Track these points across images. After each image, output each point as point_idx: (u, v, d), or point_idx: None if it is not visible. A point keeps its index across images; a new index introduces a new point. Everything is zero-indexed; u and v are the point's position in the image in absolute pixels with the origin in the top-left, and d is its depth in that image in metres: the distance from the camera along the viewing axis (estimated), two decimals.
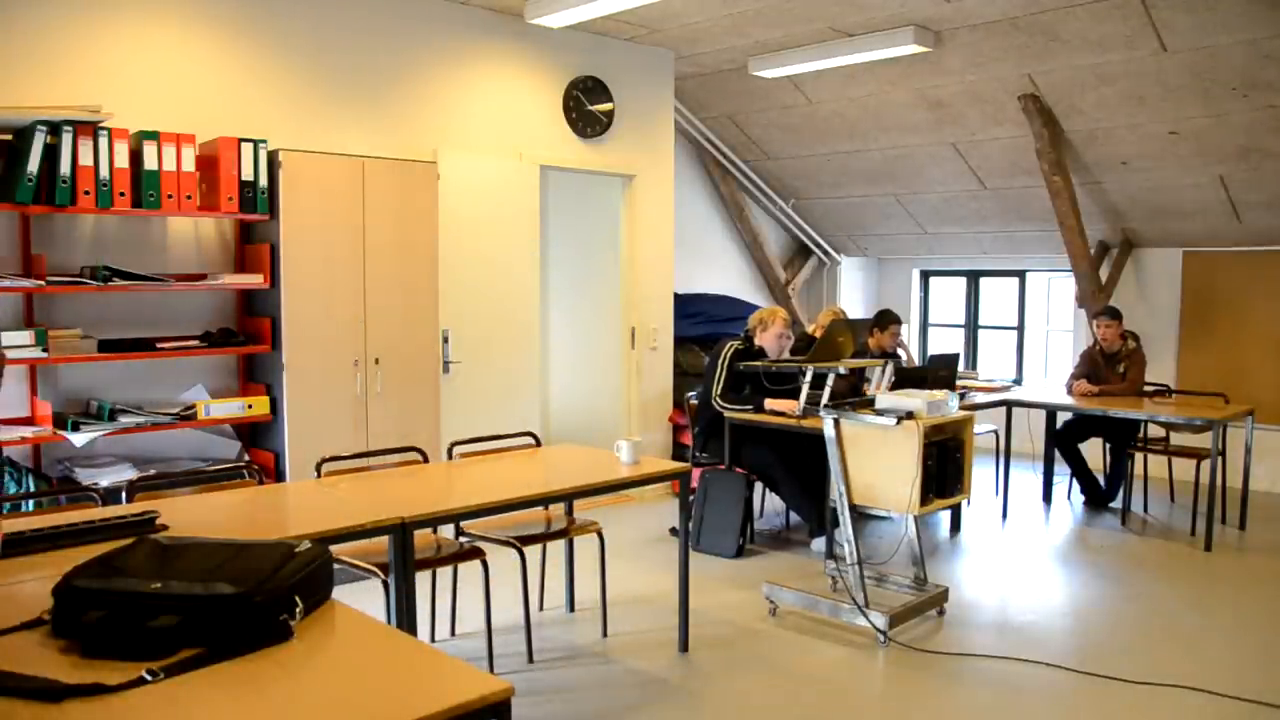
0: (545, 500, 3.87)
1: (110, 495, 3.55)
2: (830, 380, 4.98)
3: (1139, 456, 6.92)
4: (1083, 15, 5.83)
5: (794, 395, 5.68)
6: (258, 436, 5.19)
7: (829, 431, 4.48)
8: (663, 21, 6.46)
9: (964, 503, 6.32)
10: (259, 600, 2.12)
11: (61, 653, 2.03)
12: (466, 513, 3.51)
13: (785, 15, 6.20)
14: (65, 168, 4.38)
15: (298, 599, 2.21)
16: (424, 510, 3.35)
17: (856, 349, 5.33)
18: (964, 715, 3.72)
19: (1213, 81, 6.07)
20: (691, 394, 6.50)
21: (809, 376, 5.05)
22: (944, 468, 4.43)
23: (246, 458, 5.10)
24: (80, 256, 4.71)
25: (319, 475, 3.93)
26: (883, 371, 5.28)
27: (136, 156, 4.58)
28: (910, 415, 4.28)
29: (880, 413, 4.38)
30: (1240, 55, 5.80)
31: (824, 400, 4.82)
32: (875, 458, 4.40)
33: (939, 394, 4.51)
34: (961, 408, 4.74)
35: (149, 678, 1.89)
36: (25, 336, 4.37)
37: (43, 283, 4.39)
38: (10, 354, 4.24)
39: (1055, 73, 6.48)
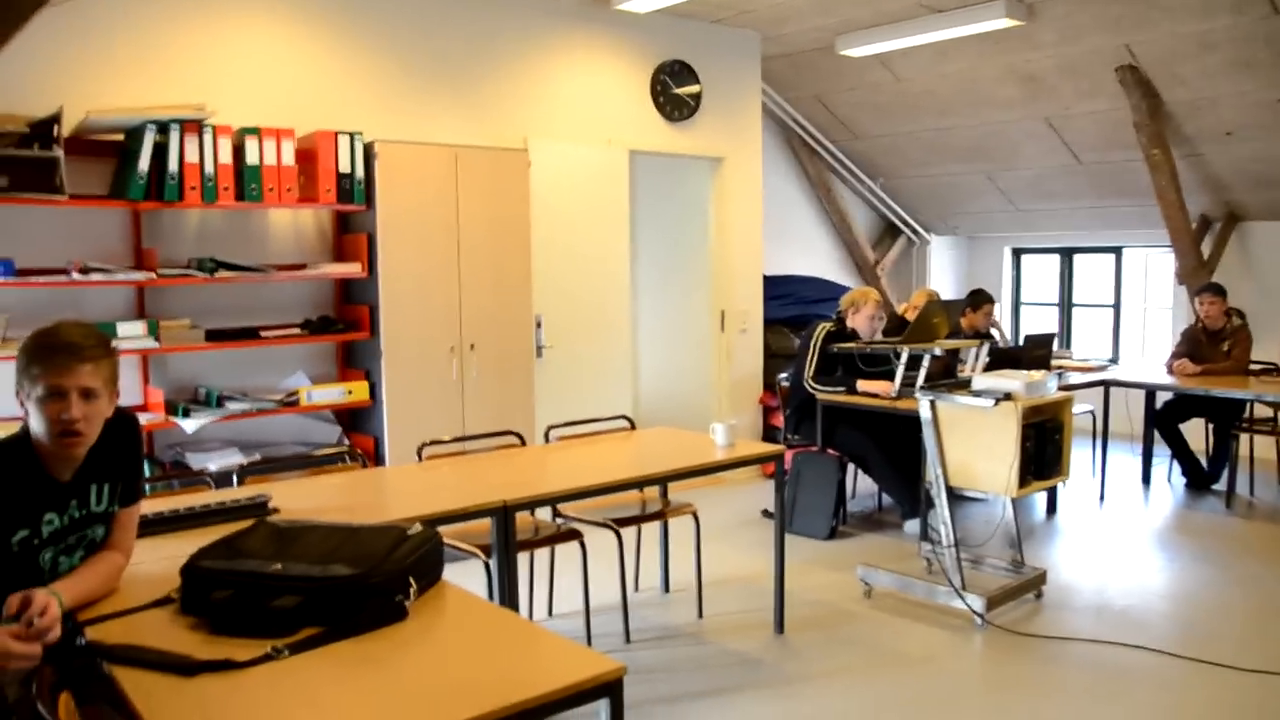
0: (642, 483, 3.93)
1: (221, 479, 3.69)
2: (926, 362, 4.92)
3: (1244, 438, 6.71)
4: None
5: (887, 377, 5.64)
6: (357, 421, 5.33)
7: (925, 413, 4.44)
8: (750, 3, 6.42)
9: (1060, 485, 6.20)
10: (375, 582, 2.20)
11: (190, 629, 2.13)
12: (565, 495, 3.57)
13: None
14: (173, 165, 4.53)
15: (411, 580, 2.28)
16: (524, 493, 3.42)
17: (950, 329, 5.27)
18: (1066, 699, 3.67)
19: None
20: (783, 376, 6.49)
21: (904, 358, 5.00)
22: (1042, 449, 4.37)
23: (347, 442, 5.24)
24: (187, 249, 4.88)
25: (420, 459, 4.03)
26: (978, 352, 5.21)
27: (239, 152, 4.72)
28: (1008, 396, 4.23)
29: (977, 394, 4.33)
30: None
31: (920, 382, 4.77)
32: (972, 439, 4.36)
33: (1037, 375, 4.44)
34: (1059, 388, 4.66)
35: (274, 654, 1.98)
36: (138, 327, 4.55)
37: (154, 275, 4.56)
38: (125, 344, 4.40)
39: (1155, 42, 6.29)
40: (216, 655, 1.95)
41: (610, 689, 1.97)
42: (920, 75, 7.48)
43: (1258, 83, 6.32)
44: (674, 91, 6.77)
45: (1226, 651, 4.02)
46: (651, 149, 6.68)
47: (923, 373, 4.89)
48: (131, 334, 4.49)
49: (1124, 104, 6.79)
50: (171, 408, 4.72)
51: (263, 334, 4.89)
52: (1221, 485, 6.69)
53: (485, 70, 5.87)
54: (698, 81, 6.89)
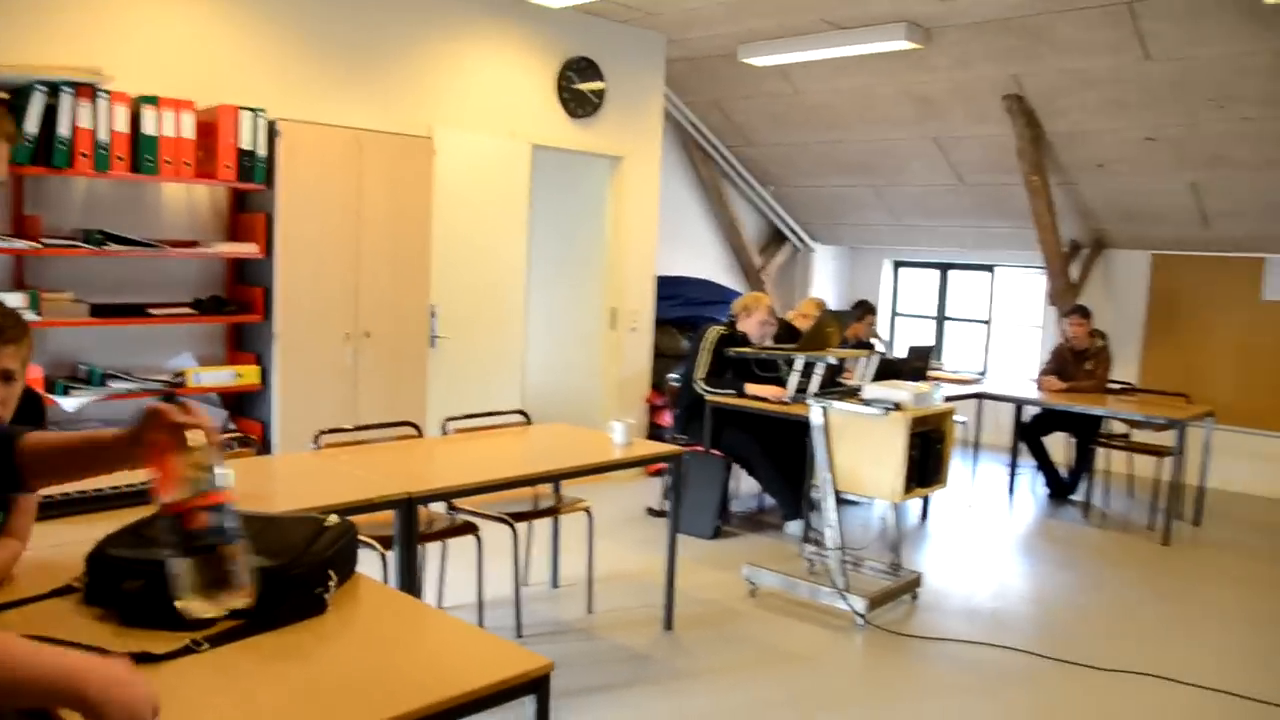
0: (549, 478, 3.98)
1: None
2: (820, 369, 5.08)
3: (1101, 452, 7.13)
4: (1073, 20, 5.96)
5: (776, 382, 5.80)
6: (244, 406, 5.20)
7: (817, 419, 4.59)
8: (658, 5, 6.49)
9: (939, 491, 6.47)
10: (296, 574, 2.18)
11: (98, 620, 2.07)
12: (470, 489, 3.57)
13: (780, 6, 6.27)
14: (64, 129, 4.35)
15: (331, 573, 2.27)
16: (425, 486, 3.40)
17: (841, 339, 5.44)
18: (943, 697, 3.86)
19: (1191, 91, 6.24)
20: (673, 376, 6.59)
21: (800, 364, 5.14)
22: (926, 457, 4.56)
23: (232, 427, 5.11)
24: (72, 219, 4.68)
25: (318, 446, 3.97)
26: (867, 362, 5.40)
27: (135, 121, 4.55)
28: (898, 406, 4.40)
29: (868, 403, 4.50)
30: (1220, 68, 5.97)
31: (813, 389, 4.92)
32: (861, 446, 4.52)
33: (924, 386, 4.64)
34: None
35: (194, 647, 1.94)
36: (17, 299, 4.34)
37: (38, 244, 4.36)
38: None
39: (1040, 75, 6.62)
40: (132, 648, 1.90)
41: (537, 685, 2.01)
42: (817, 88, 7.68)
43: (1129, 120, 6.71)
44: (578, 88, 6.80)
45: (1086, 651, 4.30)
46: (554, 144, 6.69)
47: (816, 380, 5.05)
48: (9, 305, 4.28)
49: (1009, 130, 7.12)
50: (50, 385, 4.53)
51: (150, 311, 4.73)
52: (1080, 496, 7.09)
53: (394, 55, 5.79)
54: (602, 79, 6.93)
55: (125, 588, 2.12)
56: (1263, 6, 5.27)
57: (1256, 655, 4.45)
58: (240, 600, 1.73)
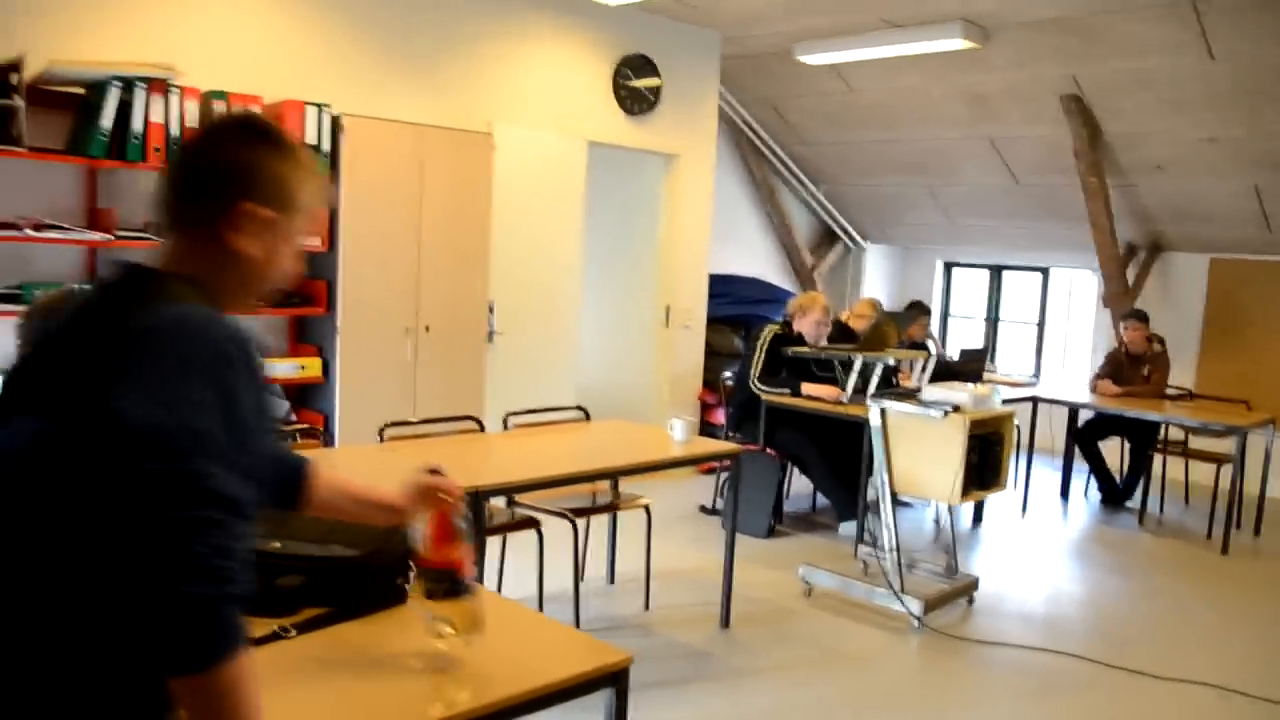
0: (611, 474, 4.00)
1: None
2: (879, 370, 5.07)
3: (1157, 458, 7.05)
4: (1133, 19, 5.89)
5: (831, 382, 5.79)
6: (306, 398, 5.28)
7: (875, 420, 4.59)
8: (716, 3, 6.51)
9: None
10: (378, 564, 2.23)
11: None
12: (535, 484, 3.61)
13: (838, 4, 6.26)
14: (138, 124, 4.44)
15: (411, 564, 2.31)
16: (492, 480, 3.45)
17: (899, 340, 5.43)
18: (999, 701, 3.85)
19: (1254, 91, 6.14)
20: (727, 374, 6.60)
21: (858, 365, 5.13)
22: (984, 460, 4.55)
23: (295, 418, 5.19)
24: (143, 212, 4.77)
25: (381, 439, 4.03)
26: (924, 364, 5.38)
27: (206, 116, 4.63)
28: (956, 409, 4.39)
29: (927, 404, 4.49)
30: None
31: (871, 389, 4.91)
32: (919, 448, 4.51)
33: (983, 389, 4.62)
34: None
35: (282, 633, 1.99)
36: None
37: (110, 236, 4.46)
38: None
39: (1099, 75, 6.55)
40: None
41: (616, 678, 2.04)
42: (872, 87, 7.66)
43: (1189, 121, 6.63)
44: (634, 85, 6.82)
45: (1142, 659, 4.26)
46: (609, 141, 6.72)
47: (875, 380, 5.04)
48: None
49: (1065, 131, 7.05)
50: None
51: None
52: (1134, 503, 7.01)
53: (453, 51, 5.85)
54: (658, 76, 6.95)
55: (281, 584, 2.16)
56: None
57: None
58: (478, 634, 1.92)
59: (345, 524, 2.38)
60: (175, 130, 4.53)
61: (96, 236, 4.43)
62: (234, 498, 1.24)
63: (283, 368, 4.99)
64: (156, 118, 4.50)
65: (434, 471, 1.96)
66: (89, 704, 1.29)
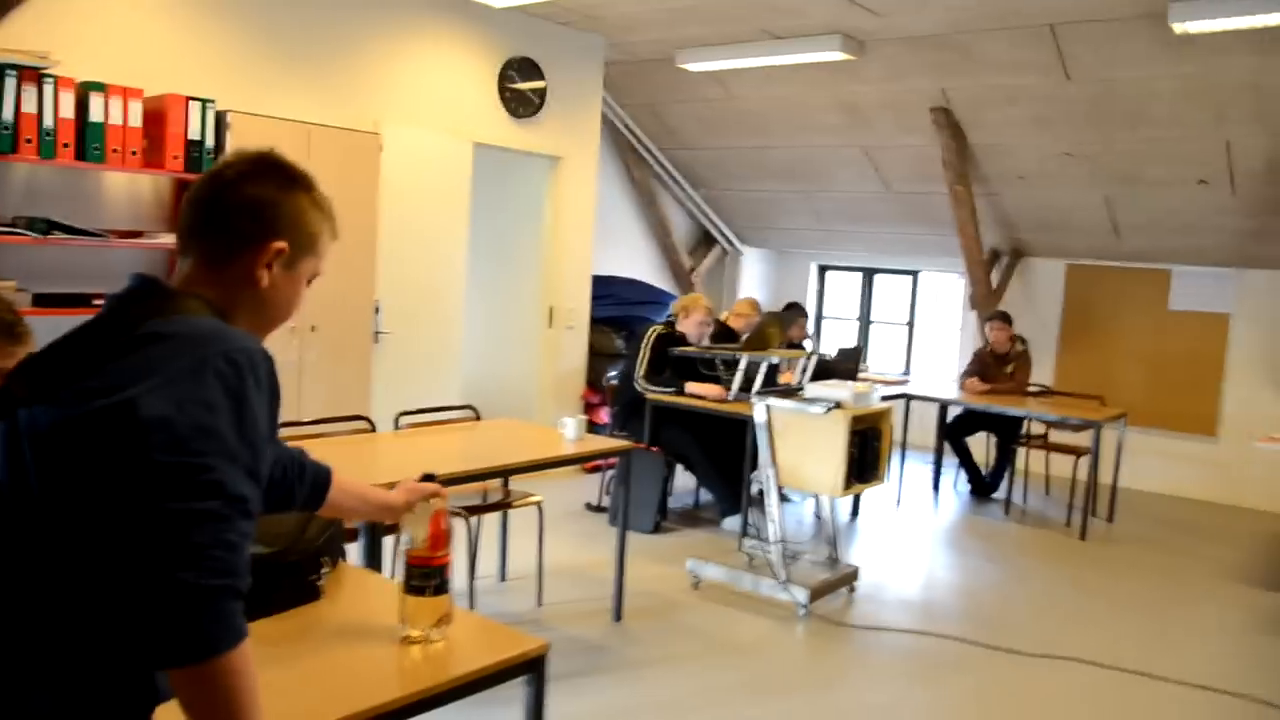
0: (506, 472, 4.02)
1: None
2: (763, 369, 5.23)
3: (1021, 451, 7.44)
4: (999, 40, 6.22)
5: (715, 380, 5.94)
6: None
7: (760, 417, 4.73)
8: (599, 9, 6.59)
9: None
10: (291, 560, 2.23)
11: None
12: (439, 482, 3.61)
13: (720, 14, 6.41)
14: (7, 113, 4.27)
15: (324, 560, 2.32)
16: (388, 479, 3.43)
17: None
18: (884, 682, 4.04)
19: (1107, 111, 6.55)
20: (611, 374, 6.69)
21: (743, 364, 5.28)
22: (864, 454, 4.73)
23: None
24: (11, 206, 4.59)
25: None
26: (805, 363, 5.57)
27: (81, 107, 4.49)
28: (839, 405, 4.57)
29: (810, 401, 4.66)
30: (1132, 90, 6.29)
31: (756, 387, 5.07)
32: (802, 444, 4.68)
33: (864, 386, 4.82)
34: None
35: None
36: None
37: None
38: None
39: (967, 89, 6.88)
40: None
41: (534, 665, 2.10)
42: (751, 94, 7.86)
43: (1049, 136, 7.02)
44: (519, 87, 6.85)
45: (1013, 638, 4.53)
46: (495, 143, 6.74)
47: (760, 379, 5.20)
48: None
49: (935, 141, 7.38)
50: None
51: (95, 302, 4.65)
52: (1001, 494, 7.39)
53: (342, 50, 5.78)
54: (543, 79, 6.99)
55: None
56: (1172, 35, 5.58)
57: (1165, 638, 4.73)
58: (446, 624, 2.06)
59: (261, 522, 2.38)
60: (49, 121, 4.38)
61: None
62: (240, 495, 1.27)
63: None
64: (29, 108, 4.33)
65: (428, 477, 2.15)
66: (83, 693, 1.30)
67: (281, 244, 1.50)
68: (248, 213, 1.49)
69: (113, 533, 1.21)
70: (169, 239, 4.89)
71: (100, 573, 1.22)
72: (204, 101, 4.82)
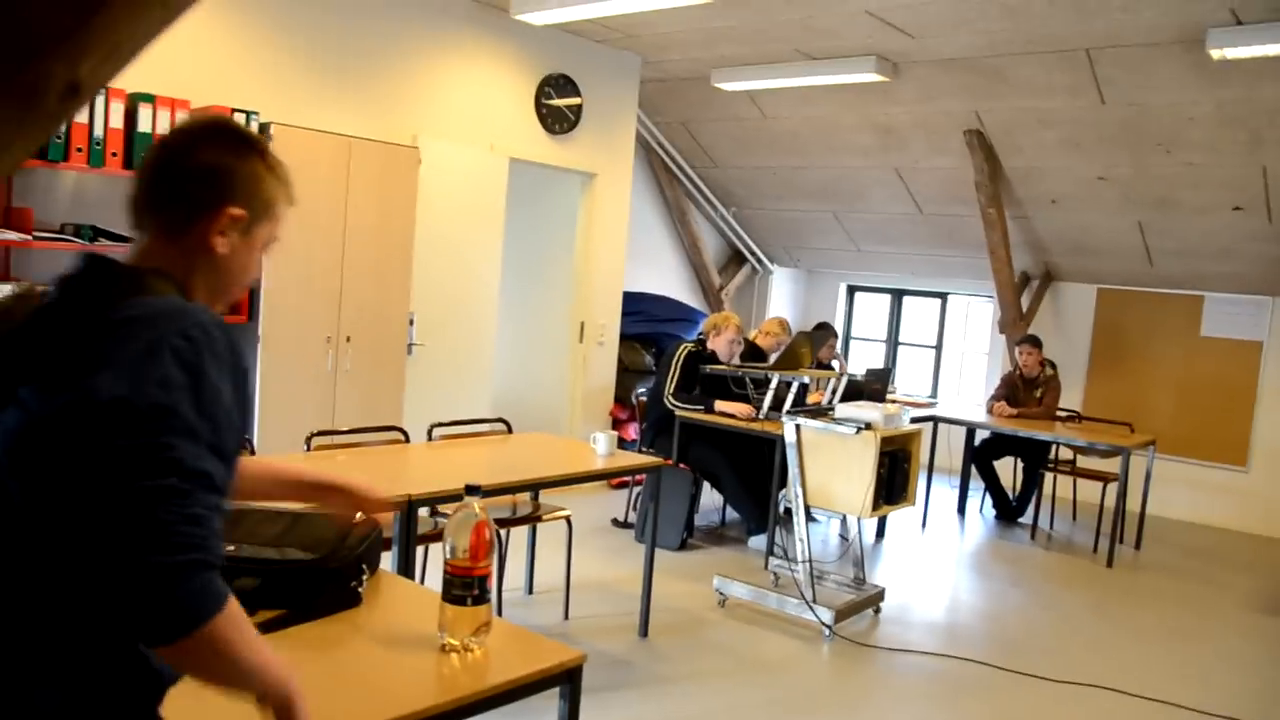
0: (539, 485, 4.07)
1: None
2: (794, 388, 5.26)
3: (1048, 476, 7.41)
4: (1033, 63, 6.23)
5: (744, 399, 5.97)
6: None
7: (790, 436, 4.76)
8: (637, 28, 6.66)
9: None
10: (333, 567, 2.27)
11: None
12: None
13: (756, 35, 6.46)
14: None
15: (364, 567, 2.36)
16: (424, 489, 3.50)
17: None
18: (907, 704, 4.04)
19: (1141, 136, 6.55)
20: (641, 390, 6.72)
21: (774, 383, 5.31)
22: (893, 476, 4.75)
23: None
24: (60, 213, 4.69)
25: (308, 448, 4.03)
26: (835, 383, 5.59)
27: (130, 117, 4.59)
28: (868, 426, 4.59)
29: (840, 421, 4.67)
30: (1168, 115, 6.29)
31: (787, 406, 5.09)
32: (831, 464, 4.70)
33: (894, 408, 4.83)
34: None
35: None
36: (3, 290, 4.34)
37: (29, 237, 4.37)
38: None
39: (1000, 112, 6.90)
40: None
41: (570, 676, 2.13)
42: (785, 114, 7.90)
43: (1082, 160, 7.02)
44: (555, 104, 6.93)
45: (1037, 663, 4.52)
46: (531, 158, 6.81)
47: (790, 398, 5.22)
48: None
49: (968, 163, 7.39)
50: None
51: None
52: (1027, 519, 7.36)
53: (382, 64, 5.87)
54: (579, 96, 7.07)
55: (236, 586, 2.17)
56: (1209, 61, 5.58)
57: (1190, 668, 4.71)
58: (485, 633, 2.09)
59: (299, 527, 2.43)
60: (99, 131, 4.48)
61: (12, 236, 4.34)
62: (202, 471, 1.26)
63: None
64: (80, 118, 4.43)
65: (472, 490, 2.09)
66: (89, 686, 1.33)
67: (238, 210, 1.48)
68: (203, 179, 1.47)
69: (88, 521, 1.22)
70: None
71: (84, 563, 1.23)
72: (248, 113, 4.91)
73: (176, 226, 1.46)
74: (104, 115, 4.49)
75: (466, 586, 2.04)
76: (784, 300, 10.35)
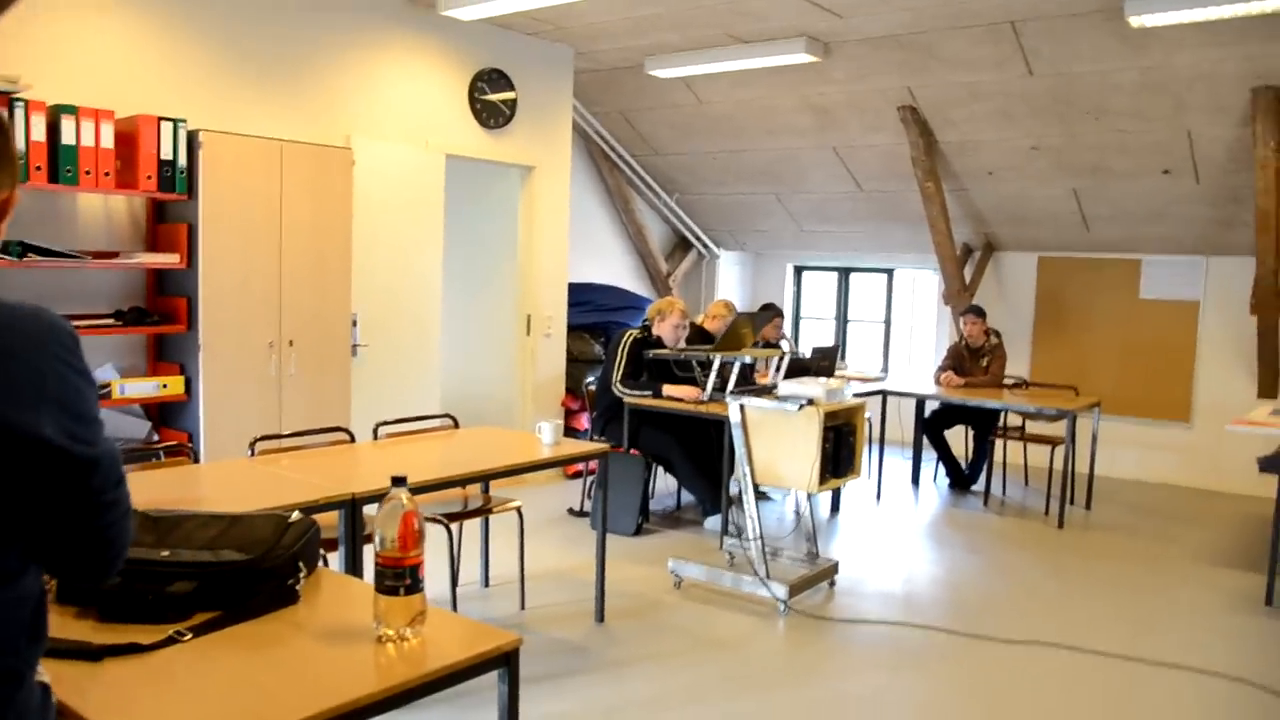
0: (485, 477, 4.08)
1: None
2: (736, 368, 5.29)
3: (998, 443, 7.52)
4: (960, 38, 6.31)
5: (691, 382, 6.01)
6: (169, 417, 5.18)
7: (735, 416, 4.80)
8: (566, 19, 6.65)
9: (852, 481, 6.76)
10: (268, 566, 2.28)
11: (76, 618, 2.13)
12: (415, 489, 3.65)
13: (685, 20, 6.49)
14: None
15: (301, 565, 2.37)
16: (368, 487, 3.50)
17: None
18: (865, 672, 4.10)
19: (1069, 105, 6.66)
20: (590, 380, 6.74)
21: (716, 364, 5.34)
22: (839, 450, 4.80)
23: (157, 437, 5.08)
24: None
25: (253, 453, 4.01)
26: (779, 361, 5.64)
27: (53, 130, 4.52)
28: (811, 402, 4.64)
29: (783, 399, 4.72)
30: (1093, 83, 6.39)
31: (730, 387, 5.12)
32: (777, 441, 4.74)
33: (836, 382, 4.88)
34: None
35: (177, 638, 2.03)
36: None
37: None
38: None
39: (932, 87, 6.98)
40: (117, 641, 1.97)
41: (507, 659, 2.15)
42: (721, 99, 7.94)
43: (1015, 131, 7.12)
44: (489, 98, 6.91)
45: (994, 626, 4.60)
46: (467, 154, 6.79)
47: (733, 379, 5.25)
48: None
49: (904, 139, 7.47)
50: None
51: (75, 324, 4.68)
52: (980, 486, 7.47)
53: (312, 66, 5.83)
54: (513, 90, 7.06)
55: (173, 590, 2.17)
56: (1129, 29, 5.68)
57: (1144, 621, 4.81)
58: (420, 623, 2.09)
59: (235, 529, 2.42)
60: (21, 145, 4.41)
61: None
62: None
63: (143, 387, 4.89)
64: None
65: (398, 481, 2.08)
66: None
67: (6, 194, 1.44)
68: None
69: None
70: (146, 258, 4.93)
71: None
72: (175, 121, 4.85)
73: None
74: (25, 129, 4.42)
75: (398, 577, 2.05)
76: (732, 284, 10.41)
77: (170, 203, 5.05)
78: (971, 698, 3.92)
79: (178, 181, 4.87)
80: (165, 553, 2.26)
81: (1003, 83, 6.67)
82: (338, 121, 5.96)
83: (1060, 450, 6.83)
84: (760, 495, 6.66)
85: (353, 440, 4.45)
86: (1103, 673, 4.16)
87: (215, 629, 2.10)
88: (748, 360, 5.44)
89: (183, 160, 4.87)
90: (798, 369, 6.14)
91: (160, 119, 4.81)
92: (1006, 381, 7.46)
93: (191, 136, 4.91)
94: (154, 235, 5.13)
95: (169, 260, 4.92)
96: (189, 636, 2.04)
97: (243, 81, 5.51)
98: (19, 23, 4.66)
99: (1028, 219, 8.18)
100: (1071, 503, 6.87)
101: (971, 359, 7.43)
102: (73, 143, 4.56)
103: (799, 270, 10.53)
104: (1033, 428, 7.52)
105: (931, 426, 7.58)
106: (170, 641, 2.01)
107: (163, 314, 5.04)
